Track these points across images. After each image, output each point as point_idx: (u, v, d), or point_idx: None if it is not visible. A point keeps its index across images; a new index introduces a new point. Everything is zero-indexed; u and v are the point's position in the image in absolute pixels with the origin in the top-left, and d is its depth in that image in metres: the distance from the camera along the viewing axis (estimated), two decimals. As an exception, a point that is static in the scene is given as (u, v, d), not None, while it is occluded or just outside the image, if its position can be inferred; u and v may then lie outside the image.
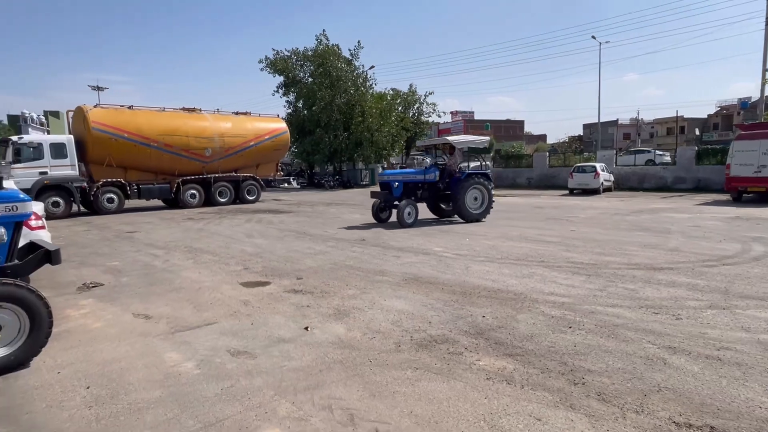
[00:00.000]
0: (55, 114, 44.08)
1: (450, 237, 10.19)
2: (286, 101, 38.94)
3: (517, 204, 18.83)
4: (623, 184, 26.73)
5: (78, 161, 16.74)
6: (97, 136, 16.90)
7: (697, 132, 58.67)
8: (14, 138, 15.92)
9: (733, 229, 10.50)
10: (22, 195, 4.02)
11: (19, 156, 15.39)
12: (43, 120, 20.59)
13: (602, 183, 23.80)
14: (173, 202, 19.64)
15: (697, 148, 27.86)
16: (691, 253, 7.82)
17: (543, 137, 77.42)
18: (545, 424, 2.82)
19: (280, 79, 37.34)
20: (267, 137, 21.62)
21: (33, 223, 5.98)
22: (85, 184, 17.10)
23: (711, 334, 4.19)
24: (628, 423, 2.81)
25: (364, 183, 36.57)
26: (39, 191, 15.43)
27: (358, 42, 49.70)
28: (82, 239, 11.20)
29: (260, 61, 36.34)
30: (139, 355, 4.01)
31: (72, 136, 17.01)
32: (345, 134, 35.03)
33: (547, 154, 35.57)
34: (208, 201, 20.03)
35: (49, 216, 14.39)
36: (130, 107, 18.50)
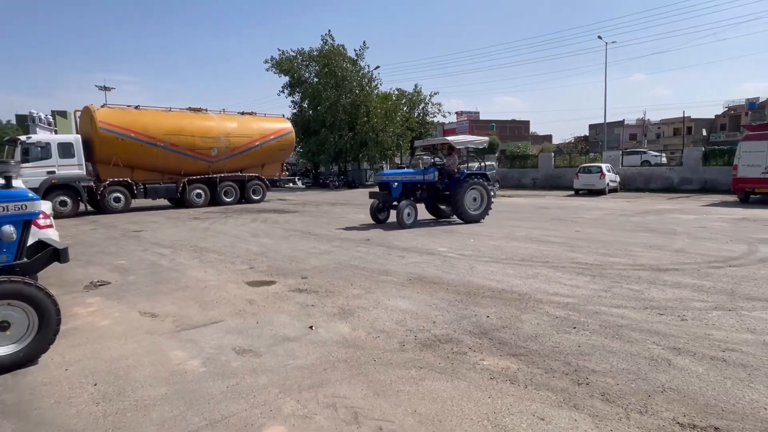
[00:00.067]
0: (63, 114, 44.38)
1: (454, 237, 10.20)
2: (292, 101, 39.16)
3: (522, 204, 18.79)
4: (629, 185, 26.62)
5: (85, 161, 16.89)
6: (104, 136, 17.03)
7: (705, 133, 58.35)
8: (22, 138, 16.09)
9: (739, 231, 10.44)
10: (30, 194, 4.06)
11: (27, 155, 15.55)
12: (51, 120, 20.77)
13: (608, 184, 23.71)
14: (179, 201, 19.77)
15: (704, 148, 27.71)
16: (697, 255, 7.79)
17: (548, 137, 77.23)
18: (549, 423, 2.83)
19: (286, 79, 37.51)
20: (272, 137, 21.70)
21: (41, 221, 6.05)
22: (92, 184, 17.25)
23: (716, 336, 4.17)
24: (632, 423, 2.81)
25: (369, 183, 36.61)
26: (47, 190, 15.57)
27: (364, 42, 49.77)
28: (89, 238, 11.29)
29: (266, 61, 36.53)
30: (145, 353, 4.05)
31: (79, 136, 17.16)
32: (350, 134, 35.10)
33: (553, 154, 35.52)
34: (214, 200, 20.14)
35: (57, 215, 14.51)
36: (136, 107, 18.63)
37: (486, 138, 14.36)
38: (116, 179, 17.70)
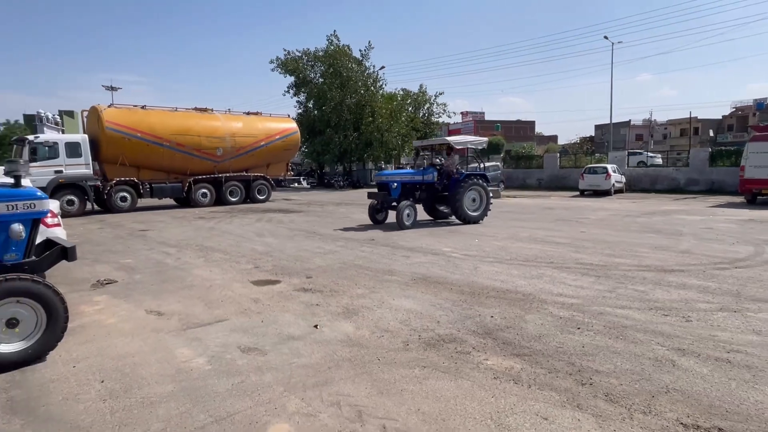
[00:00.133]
0: (70, 114, 44.68)
1: (459, 237, 10.20)
2: (297, 101, 39.27)
3: (527, 205, 18.76)
4: (635, 186, 26.52)
5: (92, 160, 16.98)
6: (111, 136, 17.14)
7: (712, 133, 57.94)
8: (30, 137, 16.21)
9: (746, 232, 10.38)
10: (39, 193, 4.10)
11: (35, 155, 15.67)
12: (58, 119, 20.93)
13: (613, 184, 23.63)
14: (185, 201, 19.86)
15: (710, 149, 27.55)
16: (703, 256, 7.76)
17: (554, 138, 76.90)
18: (552, 423, 2.84)
19: (291, 79, 37.61)
20: (277, 137, 21.76)
21: (49, 220, 6.11)
22: (98, 183, 17.35)
23: (721, 337, 4.16)
24: (636, 423, 2.81)
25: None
26: (54, 190, 15.68)
27: (369, 42, 49.93)
28: (96, 237, 11.38)
29: (271, 62, 36.67)
30: (151, 351, 4.09)
31: (86, 136, 17.26)
32: (355, 134, 35.15)
33: (558, 154, 35.40)
34: (219, 200, 20.22)
35: (64, 214, 14.58)
36: (143, 107, 18.74)
37: (485, 138, 14.34)
38: (123, 179, 17.81)
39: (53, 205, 6.67)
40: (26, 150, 15.59)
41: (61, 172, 16.17)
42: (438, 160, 13.12)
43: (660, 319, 4.65)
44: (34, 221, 4.08)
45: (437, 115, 41.18)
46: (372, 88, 36.55)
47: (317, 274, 6.93)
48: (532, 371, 3.55)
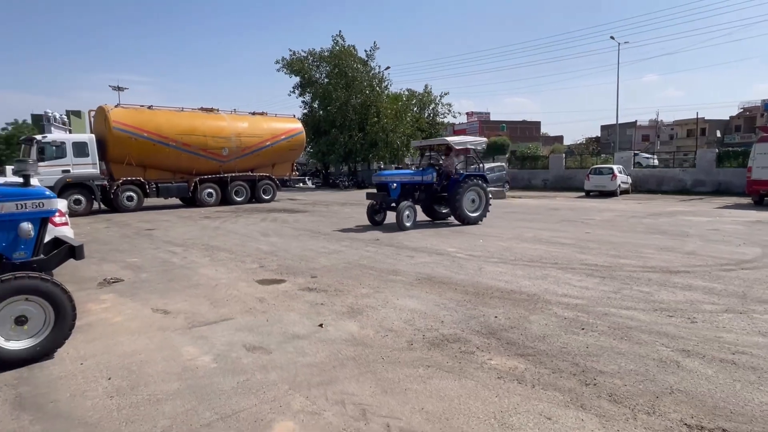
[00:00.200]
0: (77, 113, 45.00)
1: (464, 238, 10.20)
2: (302, 101, 39.32)
3: (532, 205, 18.72)
4: (641, 187, 26.39)
5: (99, 160, 17.12)
6: (118, 136, 17.25)
7: (719, 134, 57.59)
8: (38, 137, 16.36)
9: (753, 233, 10.32)
10: (48, 192, 4.15)
11: (42, 154, 15.81)
12: (65, 119, 21.11)
13: (619, 185, 23.52)
14: (191, 200, 19.97)
15: (717, 150, 27.37)
16: (709, 257, 7.72)
17: (560, 139, 76.71)
18: (555, 423, 2.84)
19: (297, 79, 37.68)
20: (283, 137, 21.83)
21: (57, 219, 6.17)
22: (105, 183, 17.48)
23: (726, 338, 4.15)
24: (639, 424, 2.81)
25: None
26: (61, 189, 15.80)
27: (374, 43, 49.93)
28: (103, 236, 11.47)
29: (277, 62, 36.72)
30: (157, 349, 4.12)
31: (93, 136, 17.40)
32: (360, 135, 35.17)
33: (564, 155, 35.29)
34: (225, 200, 20.30)
35: (71, 213, 14.70)
36: (149, 107, 18.84)
37: (484, 139, 14.30)
38: (129, 178, 17.92)
39: (61, 204, 6.72)
40: (34, 149, 15.74)
41: (68, 171, 16.30)
42: (433, 159, 13.04)
43: (665, 320, 4.64)
44: (42, 220, 4.13)
45: (442, 116, 41.15)
46: (377, 88, 36.56)
47: (322, 273, 6.95)
48: (536, 371, 3.56)
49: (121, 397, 3.24)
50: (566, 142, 73.04)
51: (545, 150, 48.69)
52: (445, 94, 41.41)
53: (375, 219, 12.37)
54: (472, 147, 13.20)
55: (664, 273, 6.64)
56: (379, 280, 6.46)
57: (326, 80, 36.53)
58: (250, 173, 21.07)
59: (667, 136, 65.87)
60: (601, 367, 3.60)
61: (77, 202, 16.45)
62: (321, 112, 37.13)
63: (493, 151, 49.33)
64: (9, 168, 20.45)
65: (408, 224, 11.44)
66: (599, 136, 68.10)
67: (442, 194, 12.62)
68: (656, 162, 30.45)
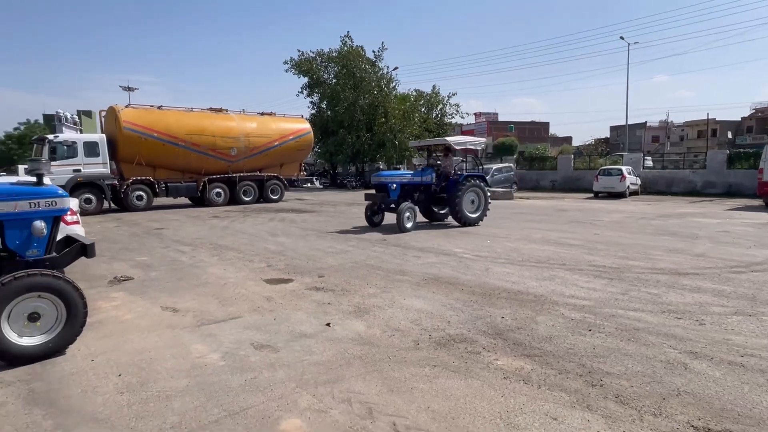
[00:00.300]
0: (88, 114, 45.38)
1: (471, 238, 10.19)
2: (310, 102, 39.43)
3: (540, 206, 18.65)
4: (651, 188, 26.19)
5: (109, 159, 17.29)
6: (128, 135, 17.41)
7: (730, 135, 56.94)
8: (50, 136, 16.57)
9: (764, 235, 10.21)
10: (60, 191, 4.22)
11: (54, 154, 16.00)
12: (77, 119, 21.44)
13: (628, 186, 23.37)
14: (199, 200, 20.10)
15: (728, 151, 27.09)
16: (719, 259, 7.66)
17: (568, 139, 76.22)
18: (561, 423, 2.85)
19: (305, 80, 37.80)
20: (291, 137, 21.92)
21: (69, 218, 6.25)
22: (115, 182, 17.65)
23: (735, 341, 4.12)
24: (645, 425, 2.81)
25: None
26: (72, 188, 15.98)
27: (382, 43, 49.99)
28: (113, 235, 11.59)
29: (285, 62, 36.87)
30: (167, 346, 4.17)
31: (104, 135, 17.58)
32: (368, 135, 35.21)
33: (572, 156, 35.09)
34: (233, 200, 20.42)
35: (82, 212, 14.87)
36: (159, 107, 19.00)
37: (483, 139, 14.23)
38: (139, 178, 18.08)
39: (73, 203, 6.82)
40: (46, 149, 15.93)
41: (79, 171, 16.49)
42: (431, 160, 12.89)
43: (673, 322, 4.62)
44: (55, 218, 4.20)
45: (450, 116, 41.10)
46: (385, 89, 36.59)
47: (329, 273, 6.99)
48: (542, 372, 3.56)
49: (131, 393, 3.29)
50: (575, 143, 72.58)
51: (553, 151, 48.43)
52: (453, 94, 41.39)
53: (373, 220, 12.20)
54: (472, 147, 13.05)
55: (672, 275, 6.60)
56: (386, 280, 6.49)
57: (334, 81, 36.61)
58: (258, 173, 21.17)
59: (678, 137, 65.25)
60: (607, 369, 3.59)
61: (88, 201, 16.63)
62: (329, 112, 37.23)
63: (501, 151, 49.20)
64: (21, 167, 20.71)
65: (409, 225, 11.30)
66: (608, 137, 67.66)
67: (441, 195, 12.47)
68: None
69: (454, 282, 6.34)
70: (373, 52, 36.56)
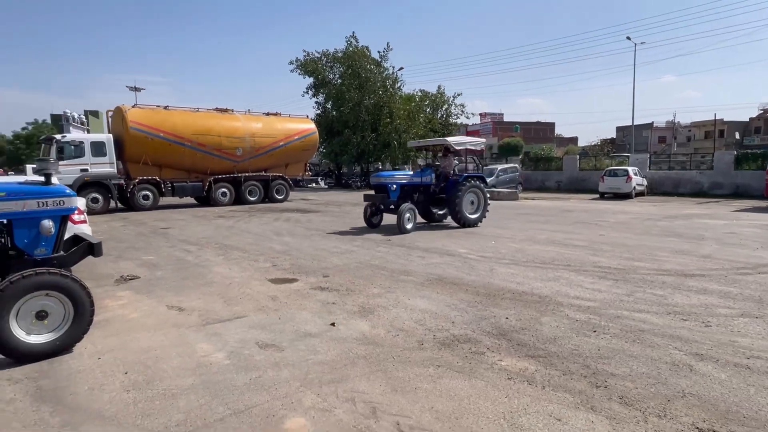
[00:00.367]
0: (95, 114, 45.74)
1: (475, 239, 10.18)
2: (316, 102, 39.50)
3: (546, 207, 18.59)
4: (657, 189, 26.05)
5: (116, 159, 17.41)
6: (135, 135, 17.52)
7: (738, 136, 56.53)
8: (57, 136, 16.69)
9: (771, 237, 10.14)
10: (68, 190, 4.26)
11: (61, 154, 16.12)
12: (84, 119, 21.48)
13: (634, 187, 23.25)
14: (205, 200, 20.19)
15: (736, 152, 26.89)
16: (725, 261, 7.62)
17: (574, 140, 75.93)
18: (565, 424, 2.85)
19: (310, 80, 37.89)
20: (296, 137, 21.98)
21: (76, 217, 6.31)
22: (122, 182, 17.77)
23: (741, 343, 4.10)
24: (650, 427, 2.81)
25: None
26: (79, 188, 16.09)
27: (387, 44, 50.03)
28: (120, 234, 11.67)
29: (291, 63, 36.98)
30: (172, 345, 4.20)
31: (111, 135, 17.70)
32: (373, 135, 35.24)
33: (578, 156, 34.95)
34: (239, 199, 20.50)
35: (89, 212, 14.98)
36: (165, 107, 19.10)
37: (483, 140, 14.16)
38: (145, 177, 18.19)
39: (80, 202, 6.87)
40: (54, 149, 16.06)
41: (86, 170, 16.61)
42: (424, 161, 12.77)
43: (678, 324, 4.60)
44: (62, 218, 4.24)
45: (455, 116, 41.04)
46: (390, 89, 36.60)
47: (334, 273, 7.00)
48: (546, 373, 3.56)
49: (137, 391, 3.32)
50: (581, 143, 72.23)
51: (559, 151, 48.18)
52: (459, 94, 41.48)
53: (372, 221, 12.06)
54: (472, 148, 12.94)
55: (678, 276, 6.57)
56: (390, 280, 6.49)
57: (339, 81, 36.68)
58: (263, 173, 21.25)
59: (685, 137, 64.83)
60: (612, 370, 3.59)
61: (95, 200, 16.74)
62: (334, 112, 37.28)
63: (506, 152, 49.05)
64: (29, 167, 20.88)
65: (409, 227, 11.16)
66: (614, 137, 67.34)
67: (440, 196, 12.36)
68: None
69: (458, 282, 6.34)
70: (379, 52, 36.62)
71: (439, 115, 40.41)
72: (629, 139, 45.51)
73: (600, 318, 4.81)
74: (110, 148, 17.18)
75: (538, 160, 35.52)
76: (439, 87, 42.08)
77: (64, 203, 4.15)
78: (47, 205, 4.03)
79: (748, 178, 23.08)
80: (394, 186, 11.67)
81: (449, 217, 12.57)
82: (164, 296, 5.86)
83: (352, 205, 20.09)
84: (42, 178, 4.21)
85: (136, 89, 46.35)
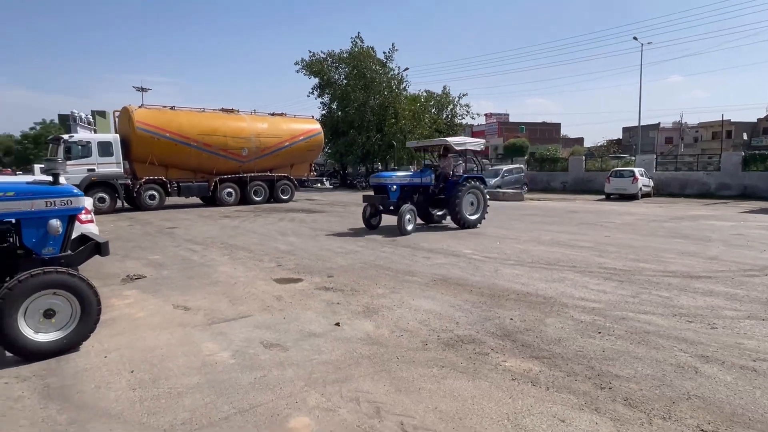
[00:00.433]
0: (102, 114, 46.10)
1: (480, 240, 10.17)
2: (321, 102, 39.62)
3: (551, 208, 18.54)
4: (663, 190, 25.93)
5: (123, 159, 17.51)
6: (141, 135, 17.61)
7: (745, 137, 56.12)
8: (65, 136, 16.81)
9: (779, 239, 10.06)
10: (75, 190, 4.30)
11: (69, 153, 16.23)
12: (91, 119, 21.65)
13: (641, 188, 23.16)
14: (210, 199, 20.26)
15: (743, 153, 26.70)
16: (732, 262, 7.57)
17: (580, 140, 75.62)
18: (569, 425, 2.84)
19: (316, 80, 37.98)
20: (301, 138, 22.03)
21: (83, 217, 6.35)
22: (129, 182, 17.86)
23: (747, 345, 4.08)
24: (655, 429, 2.80)
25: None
26: (86, 187, 16.19)
27: (393, 45, 49.97)
28: (126, 234, 11.74)
29: (296, 63, 37.09)
30: (178, 344, 4.23)
31: (118, 135, 17.81)
32: (378, 136, 35.27)
33: (584, 157, 34.82)
34: (244, 199, 20.56)
35: (96, 211, 15.09)
36: (172, 108, 19.18)
37: (482, 140, 14.12)
38: (152, 177, 18.27)
39: (87, 202, 6.93)
40: (61, 149, 16.18)
41: (93, 170, 16.72)
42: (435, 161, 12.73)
43: (684, 326, 4.58)
44: (70, 217, 4.27)
45: (460, 117, 41.06)
46: (396, 89, 36.63)
47: (338, 273, 7.02)
48: (550, 374, 3.55)
49: (143, 389, 3.34)
50: (587, 144, 71.99)
51: (565, 152, 48.01)
52: (464, 95, 41.34)
53: (371, 223, 11.90)
54: (472, 148, 12.85)
55: (684, 278, 6.54)
56: (395, 281, 6.50)
57: (345, 81, 36.75)
58: (268, 173, 21.30)
59: (692, 138, 64.43)
60: (617, 371, 3.58)
61: (101, 200, 16.84)
62: (339, 113, 37.36)
63: (511, 152, 48.93)
64: (37, 167, 21.04)
65: (409, 228, 10.97)
66: (621, 138, 67.01)
67: (439, 197, 12.24)
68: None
69: (463, 283, 6.34)
70: (384, 53, 36.70)
71: (445, 116, 40.43)
72: (636, 140, 45.27)
73: (605, 319, 4.79)
74: (117, 148, 17.28)
75: (544, 160, 35.41)
76: (444, 87, 42.14)
77: (71, 203, 4.18)
78: (55, 205, 4.07)
79: (756, 179, 22.93)
80: (395, 186, 11.54)
81: (447, 219, 12.49)
82: (170, 295, 5.89)
83: (356, 205, 20.07)
84: (50, 178, 4.24)
85: (142, 89, 46.62)
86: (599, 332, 4.43)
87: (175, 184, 18.85)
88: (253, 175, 20.72)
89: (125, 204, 18.13)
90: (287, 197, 21.96)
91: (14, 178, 6.52)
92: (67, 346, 3.93)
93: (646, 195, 24.08)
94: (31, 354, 3.78)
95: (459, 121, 41.13)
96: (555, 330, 4.50)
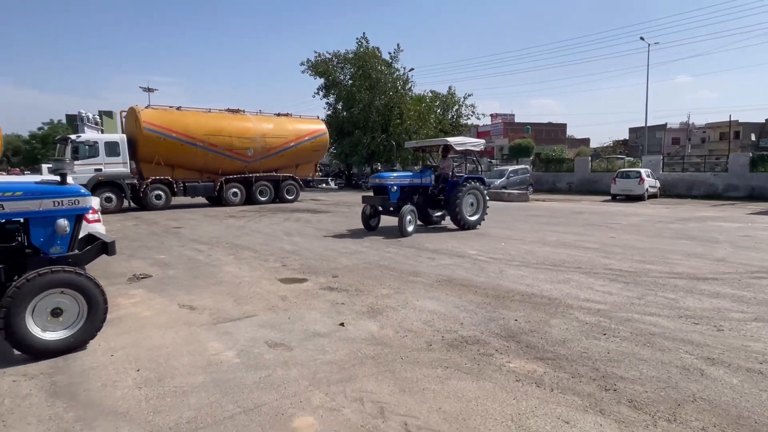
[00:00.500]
0: (109, 114, 46.38)
1: (485, 240, 10.16)
2: (326, 103, 39.68)
3: (557, 209, 18.48)
4: (670, 191, 25.77)
5: (129, 159, 17.63)
6: (148, 136, 17.72)
7: (753, 137, 55.69)
8: (72, 136, 16.95)
9: (787, 240, 9.98)
10: (83, 190, 4.33)
11: (76, 153, 16.36)
12: (98, 119, 21.80)
13: (647, 189, 23.04)
14: (216, 199, 20.36)
15: (751, 154, 26.50)
16: (739, 264, 7.52)
17: (586, 141, 75.35)
18: (573, 427, 2.84)
19: (321, 81, 38.05)
20: (307, 138, 22.08)
21: (90, 216, 6.41)
22: (135, 181, 17.98)
23: (754, 347, 4.05)
24: (659, 431, 2.79)
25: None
26: (93, 187, 16.32)
27: (398, 45, 50.06)
28: (132, 233, 11.82)
29: (302, 64, 37.18)
30: (184, 343, 4.25)
31: (125, 135, 17.93)
32: (383, 136, 35.28)
33: (589, 158, 34.68)
34: (249, 199, 20.64)
35: (102, 211, 15.18)
36: (178, 108, 19.29)
37: (482, 140, 14.09)
38: (158, 177, 18.39)
39: (94, 201, 6.98)
40: (68, 149, 16.31)
41: (100, 170, 16.84)
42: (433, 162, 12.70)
43: (690, 328, 4.56)
44: (77, 217, 4.31)
45: (466, 117, 40.98)
46: (401, 90, 36.63)
47: (343, 273, 7.03)
48: (555, 375, 3.55)
49: (149, 388, 3.37)
50: (593, 144, 71.72)
51: (571, 153, 47.82)
52: (469, 95, 41.29)
53: (370, 224, 11.76)
54: (472, 148, 12.76)
55: (691, 279, 6.50)
56: (399, 281, 6.51)
57: (350, 82, 36.80)
58: (274, 173, 21.36)
59: (699, 139, 64.00)
60: (621, 373, 3.56)
61: (108, 199, 16.96)
62: (344, 113, 37.41)
63: (517, 153, 48.81)
64: (45, 167, 21.22)
65: (410, 229, 10.83)
66: (627, 138, 66.68)
67: (438, 197, 12.13)
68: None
69: (467, 284, 6.33)
70: (389, 53, 36.71)
71: (450, 116, 40.36)
72: (642, 141, 45.03)
73: (610, 321, 4.78)
74: (124, 148, 17.40)
75: (549, 161, 35.29)
76: (449, 88, 42.08)
77: (79, 202, 4.22)
78: (63, 205, 4.11)
79: (764, 180, 22.76)
80: (395, 187, 11.40)
81: (446, 219, 12.40)
82: (176, 295, 5.93)
83: (361, 206, 20.08)
84: (58, 178, 4.28)
85: (149, 90, 46.85)
86: (604, 334, 4.41)
87: (181, 184, 18.95)
88: (258, 175, 20.79)
89: (132, 204, 18.25)
90: (292, 197, 22.02)
91: (22, 178, 6.58)
92: (74, 345, 3.97)
93: (653, 196, 23.96)
94: (38, 352, 3.82)
95: (464, 122, 41.06)
96: (560, 331, 4.49)
